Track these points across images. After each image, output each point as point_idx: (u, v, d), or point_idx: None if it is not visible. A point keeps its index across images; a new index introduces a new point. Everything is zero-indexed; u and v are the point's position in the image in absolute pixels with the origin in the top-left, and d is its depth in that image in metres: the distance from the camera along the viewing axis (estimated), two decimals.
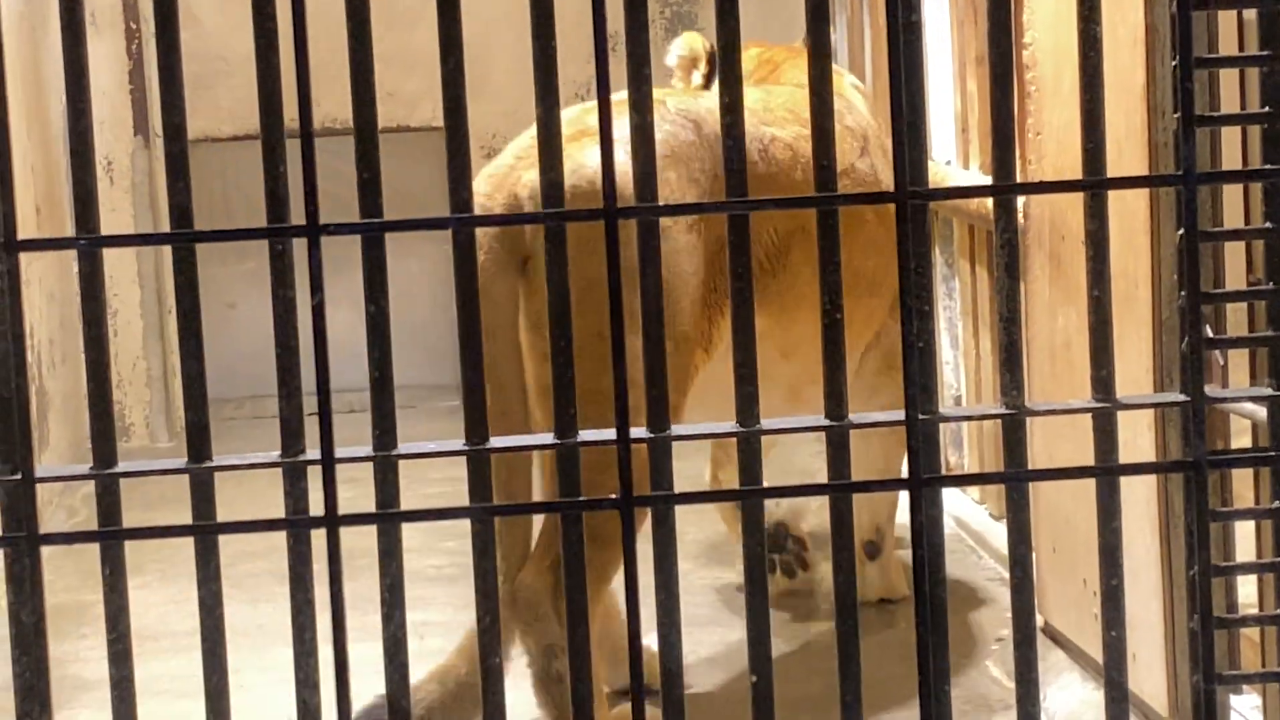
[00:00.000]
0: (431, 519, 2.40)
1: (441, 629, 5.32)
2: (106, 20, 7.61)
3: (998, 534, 5.76)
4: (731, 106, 2.57)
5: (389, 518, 2.41)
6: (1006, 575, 5.43)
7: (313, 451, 2.54)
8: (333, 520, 2.30)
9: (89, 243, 2.31)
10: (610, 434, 2.33)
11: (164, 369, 7.93)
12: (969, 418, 2.61)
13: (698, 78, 5.73)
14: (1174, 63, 2.58)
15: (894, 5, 2.28)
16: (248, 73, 7.94)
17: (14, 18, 5.34)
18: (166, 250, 7.98)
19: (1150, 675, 3.97)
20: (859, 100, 5.47)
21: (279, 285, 2.62)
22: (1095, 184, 2.57)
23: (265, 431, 7.63)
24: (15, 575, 2.62)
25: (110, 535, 2.44)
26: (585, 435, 2.45)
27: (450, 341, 8.26)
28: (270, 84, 2.57)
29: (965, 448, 6.25)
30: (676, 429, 2.47)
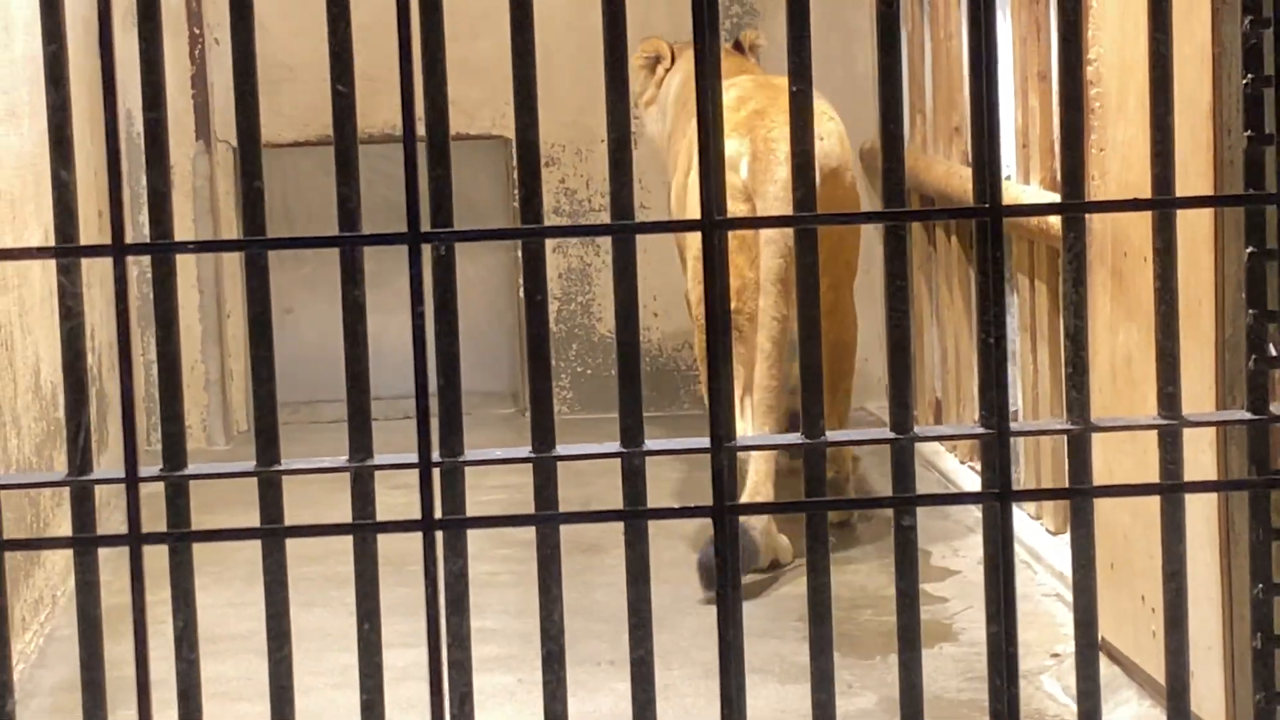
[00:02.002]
0: (518, 524, 2.40)
1: (496, 635, 5.34)
2: (169, 26, 7.64)
3: (1053, 549, 5.75)
4: (801, 130, 2.58)
5: (488, 522, 2.42)
6: (1062, 590, 5.45)
7: (408, 455, 2.55)
8: (429, 524, 2.31)
9: (196, 248, 2.33)
10: (700, 442, 2.34)
11: (221, 372, 7.97)
12: (1039, 432, 2.61)
13: (660, 72, 6.80)
14: (1244, 81, 2.58)
15: (978, 32, 2.29)
16: (309, 79, 7.97)
17: (80, 23, 5.37)
18: (225, 255, 7.98)
19: (1209, 693, 3.96)
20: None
21: (349, 289, 2.65)
22: (1185, 202, 2.57)
23: (321, 435, 7.65)
24: (84, 578, 2.65)
25: (205, 536, 2.46)
26: (665, 445, 2.46)
27: (505, 348, 8.27)
28: (344, 90, 2.59)
29: (1021, 462, 6.24)
30: (742, 440, 2.48)
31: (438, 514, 2.35)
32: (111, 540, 2.41)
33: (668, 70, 6.84)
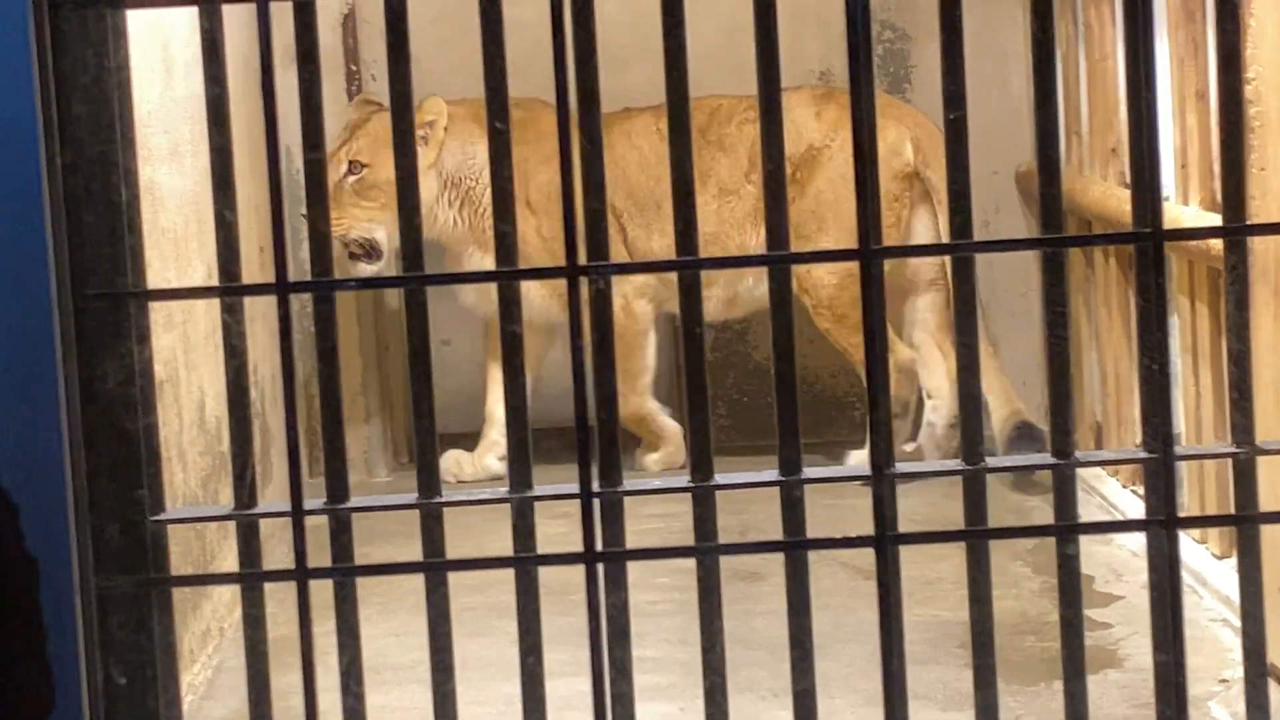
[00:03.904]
0: (679, 555, 2.41)
1: (657, 664, 5.34)
2: (327, 63, 7.71)
3: (1219, 573, 5.67)
4: (957, 157, 2.57)
5: (648, 554, 2.43)
6: (1228, 615, 5.37)
7: (568, 486, 2.57)
8: (591, 556, 2.32)
9: (358, 285, 2.36)
10: (861, 470, 2.33)
11: (382, 405, 8.03)
12: (1201, 456, 2.58)
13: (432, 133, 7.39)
14: None
15: (1134, 55, 2.27)
16: None
17: (240, 59, 5.45)
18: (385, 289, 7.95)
19: None
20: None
21: (507, 321, 2.66)
22: None
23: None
24: (250, 612, 2.68)
25: (369, 570, 2.48)
26: (823, 473, 2.45)
27: (661, 377, 8.27)
28: (501, 127, 2.62)
29: (1185, 486, 6.16)
30: (902, 466, 2.47)
31: (599, 545, 2.36)
32: (278, 575, 2.44)
33: (446, 129, 7.47)
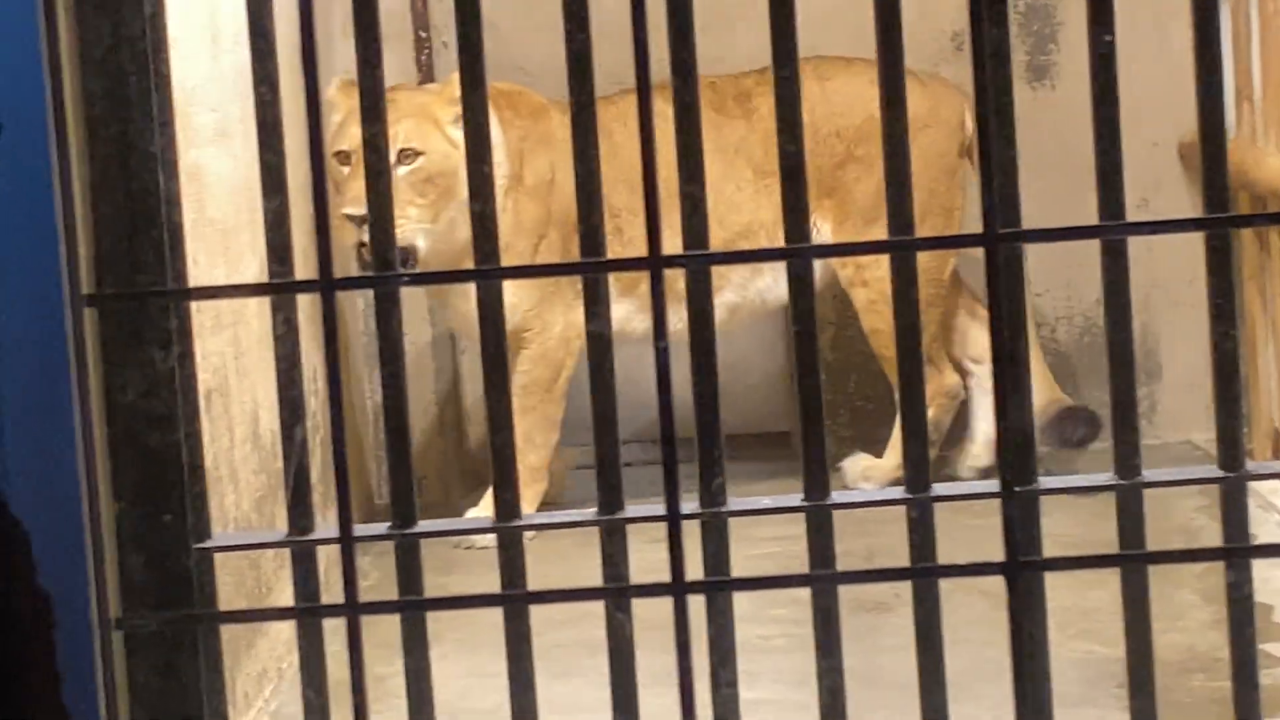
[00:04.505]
0: (785, 585, 2.41)
1: (772, 708, 5.32)
2: (394, 29, 7.76)
3: None
4: (1110, 130, 2.55)
5: (746, 584, 2.42)
6: None
7: (658, 507, 2.56)
8: (680, 588, 2.31)
9: (412, 280, 2.37)
10: (990, 485, 2.32)
11: (458, 414, 8.04)
12: None
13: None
14: None
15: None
16: (549, 81, 8.04)
17: (294, 29, 5.45)
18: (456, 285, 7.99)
19: None
20: None
21: (593, 322, 2.66)
22: None
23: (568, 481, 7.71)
24: (308, 650, 2.69)
25: (432, 604, 2.49)
26: (952, 489, 2.44)
27: (776, 385, 8.25)
28: (585, 103, 2.62)
29: None
30: (1048, 481, 2.46)
31: (693, 573, 2.35)
32: (326, 610, 2.44)
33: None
